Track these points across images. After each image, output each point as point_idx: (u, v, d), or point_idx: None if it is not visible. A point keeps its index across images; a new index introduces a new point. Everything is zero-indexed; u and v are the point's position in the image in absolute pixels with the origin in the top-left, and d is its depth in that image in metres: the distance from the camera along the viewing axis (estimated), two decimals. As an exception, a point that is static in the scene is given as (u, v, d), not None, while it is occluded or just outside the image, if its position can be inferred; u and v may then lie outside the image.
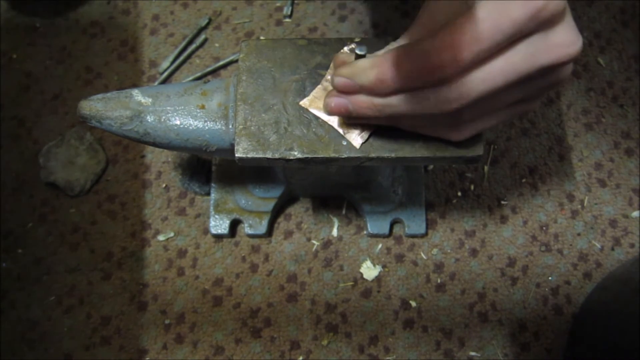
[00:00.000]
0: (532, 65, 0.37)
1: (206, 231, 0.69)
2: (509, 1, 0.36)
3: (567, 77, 0.40)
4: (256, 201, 0.67)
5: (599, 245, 0.68)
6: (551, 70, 0.38)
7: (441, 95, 0.38)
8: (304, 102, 0.47)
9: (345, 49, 0.48)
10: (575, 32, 0.38)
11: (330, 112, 0.44)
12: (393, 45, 0.43)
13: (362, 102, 0.41)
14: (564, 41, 0.38)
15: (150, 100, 0.49)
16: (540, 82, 0.39)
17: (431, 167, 0.71)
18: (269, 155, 0.46)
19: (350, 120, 0.45)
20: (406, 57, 0.38)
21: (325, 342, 0.65)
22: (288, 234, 0.69)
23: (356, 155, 0.45)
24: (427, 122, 0.42)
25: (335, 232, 0.69)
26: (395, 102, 0.40)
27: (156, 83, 0.74)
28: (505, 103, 0.40)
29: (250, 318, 0.66)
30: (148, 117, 0.48)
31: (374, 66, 0.39)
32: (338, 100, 0.42)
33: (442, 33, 0.37)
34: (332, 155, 0.46)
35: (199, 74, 0.74)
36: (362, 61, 0.40)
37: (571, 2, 0.38)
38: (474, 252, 0.68)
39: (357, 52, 0.40)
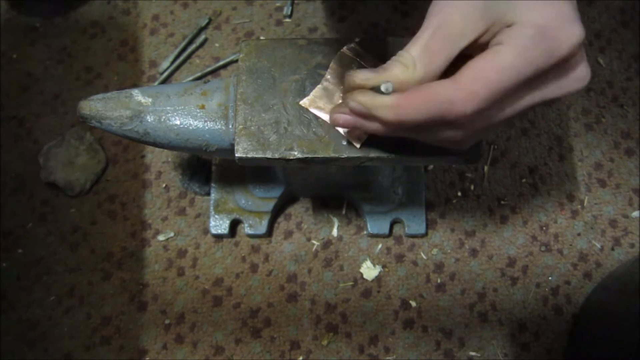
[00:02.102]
0: (541, 99, 0.38)
1: (206, 231, 0.69)
2: (534, 47, 0.35)
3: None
4: (256, 201, 0.66)
5: (599, 245, 0.68)
6: (557, 99, 0.39)
7: (454, 132, 0.38)
8: (304, 102, 0.47)
9: (345, 49, 0.48)
10: (587, 68, 0.38)
11: (335, 125, 0.44)
12: (401, 54, 0.41)
13: (373, 128, 0.41)
14: (576, 78, 0.38)
15: (150, 100, 0.49)
16: (543, 104, 0.40)
17: (431, 167, 0.71)
18: (269, 155, 0.46)
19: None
20: (428, 103, 0.37)
21: (325, 342, 0.65)
22: (288, 234, 0.69)
23: (356, 155, 0.45)
24: (433, 141, 0.42)
25: (335, 232, 0.69)
26: (408, 134, 0.40)
27: (156, 83, 0.74)
28: (508, 121, 0.40)
29: (250, 318, 0.66)
30: (148, 117, 0.48)
31: (395, 106, 0.38)
32: (347, 118, 0.41)
33: (466, 79, 0.36)
34: (332, 155, 0.46)
35: (199, 74, 0.74)
36: (383, 97, 0.39)
37: (571, 2, 0.38)
38: (474, 252, 0.68)
39: (383, 90, 0.38)
